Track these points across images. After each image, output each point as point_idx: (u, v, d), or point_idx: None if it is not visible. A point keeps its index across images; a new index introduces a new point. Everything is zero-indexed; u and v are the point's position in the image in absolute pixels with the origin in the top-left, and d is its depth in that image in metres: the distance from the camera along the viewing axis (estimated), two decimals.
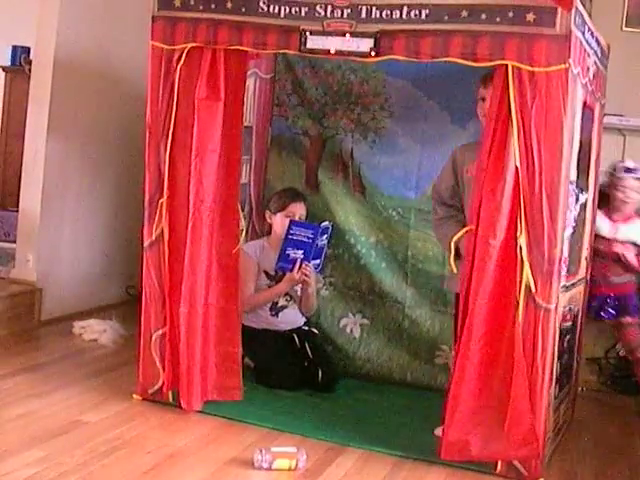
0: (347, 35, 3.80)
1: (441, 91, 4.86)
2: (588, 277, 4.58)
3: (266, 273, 4.91)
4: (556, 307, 3.69)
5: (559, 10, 3.49)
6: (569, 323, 4.19)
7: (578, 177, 4.03)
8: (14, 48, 7.08)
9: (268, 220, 4.96)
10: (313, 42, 3.86)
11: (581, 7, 3.64)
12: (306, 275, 4.79)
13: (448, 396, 3.80)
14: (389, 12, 3.73)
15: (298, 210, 4.87)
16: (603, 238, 4.78)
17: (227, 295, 4.30)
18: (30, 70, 5.80)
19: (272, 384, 4.67)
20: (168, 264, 4.21)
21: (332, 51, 3.86)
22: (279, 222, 4.88)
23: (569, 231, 3.94)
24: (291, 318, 4.97)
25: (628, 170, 4.77)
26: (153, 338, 4.27)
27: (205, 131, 4.09)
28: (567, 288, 4.01)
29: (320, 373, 4.72)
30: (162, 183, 4.18)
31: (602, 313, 4.88)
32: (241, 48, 4.01)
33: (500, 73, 3.62)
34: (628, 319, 4.88)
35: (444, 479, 3.76)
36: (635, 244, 4.85)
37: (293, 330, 4.95)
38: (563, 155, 3.59)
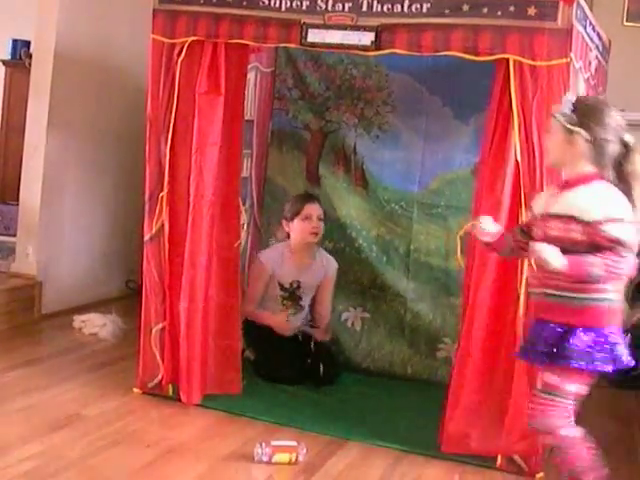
0: (348, 29, 3.80)
1: (443, 86, 4.85)
2: None
3: (280, 285, 4.89)
4: None
5: (561, 4, 3.49)
6: None
7: None
8: (14, 42, 7.07)
9: (286, 229, 4.88)
10: (314, 36, 3.86)
11: (582, 1, 3.64)
12: None
13: (449, 388, 3.81)
14: (390, 6, 3.73)
15: (314, 211, 4.82)
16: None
17: (227, 289, 4.30)
18: (30, 64, 5.80)
19: (273, 377, 4.66)
20: (168, 258, 4.21)
21: (333, 45, 3.86)
22: (297, 227, 4.82)
23: None
24: (297, 324, 4.93)
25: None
26: (153, 332, 4.27)
27: (206, 125, 4.09)
28: None
29: (322, 367, 4.71)
30: (162, 177, 4.18)
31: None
32: (242, 42, 4.01)
33: (501, 67, 3.61)
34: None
35: (444, 473, 3.76)
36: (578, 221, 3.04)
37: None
38: None
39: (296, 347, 4.82)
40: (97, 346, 5.26)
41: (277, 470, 3.62)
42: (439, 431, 3.85)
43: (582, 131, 3.01)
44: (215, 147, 4.13)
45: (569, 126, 3.04)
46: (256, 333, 4.80)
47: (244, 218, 4.83)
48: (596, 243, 2.97)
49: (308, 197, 4.92)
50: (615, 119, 3.04)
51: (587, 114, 3.04)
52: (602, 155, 3.04)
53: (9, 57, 7.12)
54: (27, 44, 6.78)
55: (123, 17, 5.99)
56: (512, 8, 3.54)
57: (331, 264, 4.97)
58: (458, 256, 3.92)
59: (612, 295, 3.08)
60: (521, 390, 3.66)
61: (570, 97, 3.14)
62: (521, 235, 3.31)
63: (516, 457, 3.77)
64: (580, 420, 4.62)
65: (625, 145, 3.04)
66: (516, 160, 3.61)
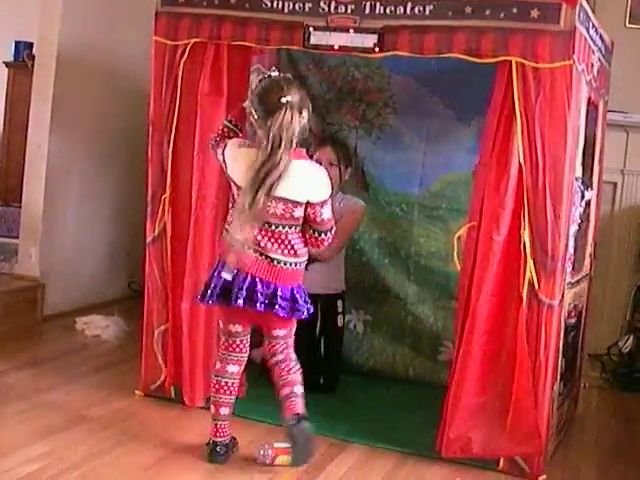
0: (351, 31, 3.80)
1: (445, 88, 4.84)
2: (592, 273, 4.57)
3: None
4: (560, 303, 3.69)
5: (563, 6, 3.49)
6: (574, 320, 4.19)
7: (583, 174, 4.03)
8: (17, 43, 7.07)
9: None
10: (317, 38, 3.86)
11: (585, 3, 3.64)
12: None
13: (449, 392, 3.80)
14: (393, 8, 3.73)
15: (324, 156, 4.67)
16: None
17: None
18: (33, 65, 5.81)
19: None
20: (171, 260, 4.21)
21: (336, 47, 3.86)
22: None
23: (575, 228, 3.94)
24: (322, 278, 4.68)
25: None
26: (155, 334, 4.28)
27: (208, 126, 4.08)
28: (573, 285, 4.01)
29: (322, 379, 4.67)
30: (165, 178, 4.18)
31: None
32: (244, 44, 4.01)
33: (504, 69, 3.61)
34: None
35: (446, 475, 3.76)
36: None
37: (323, 296, 4.69)
38: (567, 152, 3.58)
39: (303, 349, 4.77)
40: (100, 348, 5.27)
41: (279, 472, 3.62)
42: (439, 436, 3.83)
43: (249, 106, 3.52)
44: None
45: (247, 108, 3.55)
46: None
47: None
48: None
49: (321, 141, 4.81)
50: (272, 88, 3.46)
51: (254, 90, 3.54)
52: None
53: (12, 59, 7.13)
54: (30, 46, 6.78)
55: (125, 19, 6.00)
56: (515, 10, 3.54)
57: (349, 206, 4.79)
58: (454, 258, 3.92)
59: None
60: (522, 391, 3.67)
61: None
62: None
63: (518, 459, 3.77)
64: (583, 423, 4.66)
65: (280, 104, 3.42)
66: (519, 162, 3.62)
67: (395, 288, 5.08)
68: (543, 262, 3.62)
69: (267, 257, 3.52)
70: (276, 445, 3.69)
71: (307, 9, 3.86)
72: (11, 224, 6.39)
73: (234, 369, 3.72)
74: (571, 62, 3.51)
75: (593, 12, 3.88)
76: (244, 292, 3.49)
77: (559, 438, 4.17)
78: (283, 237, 3.53)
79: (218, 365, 3.73)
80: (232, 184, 3.59)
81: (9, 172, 6.85)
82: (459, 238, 3.90)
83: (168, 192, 4.17)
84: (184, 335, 4.17)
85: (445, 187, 4.91)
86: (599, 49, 4.07)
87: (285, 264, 3.55)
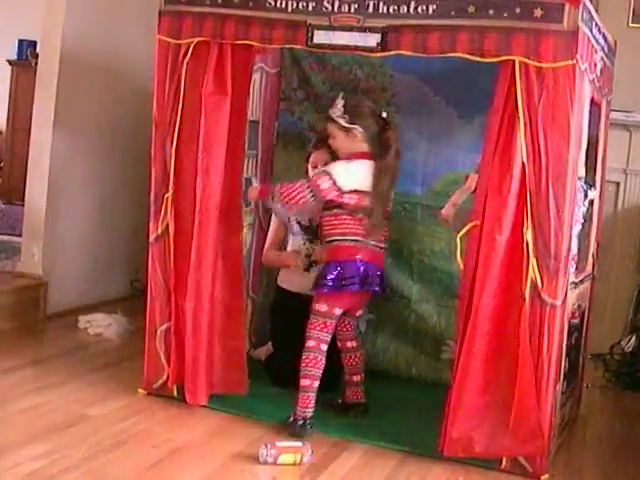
0: (354, 30, 3.80)
1: (448, 86, 4.84)
2: (595, 273, 4.57)
3: (299, 224, 4.79)
4: (562, 303, 3.68)
5: (567, 6, 3.49)
6: (577, 320, 4.19)
7: (586, 173, 4.03)
8: (20, 42, 7.10)
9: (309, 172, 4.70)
10: (320, 37, 3.86)
11: (588, 3, 3.63)
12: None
13: (451, 392, 3.80)
14: (396, 7, 3.73)
15: (318, 159, 4.61)
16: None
17: (232, 290, 4.30)
18: (36, 64, 5.81)
19: (277, 378, 4.64)
20: (173, 259, 4.21)
21: (339, 46, 3.86)
22: (310, 173, 4.60)
23: (578, 227, 3.94)
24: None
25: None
26: (158, 332, 4.28)
27: (212, 126, 4.09)
28: (576, 285, 4.01)
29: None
30: (168, 178, 4.18)
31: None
32: (248, 43, 4.01)
33: (507, 68, 3.61)
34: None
35: (449, 475, 3.76)
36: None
37: None
38: (570, 151, 3.58)
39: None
40: (102, 346, 5.27)
41: (282, 471, 3.63)
42: (441, 436, 3.83)
43: (357, 127, 4.05)
44: (221, 148, 4.13)
45: (347, 125, 4.05)
46: (281, 312, 4.81)
47: (248, 219, 4.82)
48: None
49: (316, 143, 4.76)
50: (371, 107, 4.18)
51: (355, 113, 4.07)
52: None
53: (15, 57, 7.15)
54: (33, 44, 6.80)
55: (129, 18, 6.00)
56: (518, 10, 3.54)
57: None
58: (458, 257, 3.92)
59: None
60: (525, 391, 3.67)
61: (339, 100, 4.08)
62: None
63: (521, 459, 3.77)
64: (586, 423, 4.66)
65: (384, 120, 4.13)
66: (522, 161, 3.61)
67: (398, 287, 5.07)
68: (546, 262, 3.62)
69: (370, 245, 4.10)
70: (279, 444, 3.70)
71: (310, 8, 3.86)
72: (14, 222, 6.40)
73: (325, 347, 4.10)
74: (574, 62, 3.51)
75: (596, 11, 3.88)
76: (359, 279, 4.06)
77: (562, 438, 4.17)
78: None
79: (313, 343, 4.07)
80: (346, 194, 4.05)
81: (12, 170, 6.89)
82: (463, 237, 3.90)
83: (171, 191, 4.17)
84: (187, 334, 4.16)
85: (447, 186, 4.89)
86: (602, 48, 4.07)
87: (381, 248, 4.18)
